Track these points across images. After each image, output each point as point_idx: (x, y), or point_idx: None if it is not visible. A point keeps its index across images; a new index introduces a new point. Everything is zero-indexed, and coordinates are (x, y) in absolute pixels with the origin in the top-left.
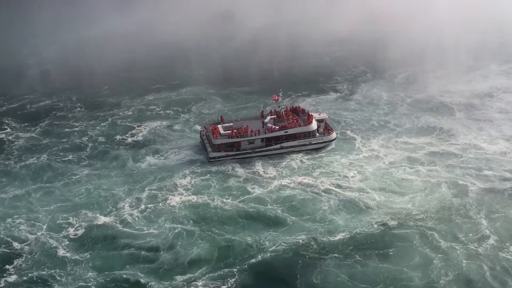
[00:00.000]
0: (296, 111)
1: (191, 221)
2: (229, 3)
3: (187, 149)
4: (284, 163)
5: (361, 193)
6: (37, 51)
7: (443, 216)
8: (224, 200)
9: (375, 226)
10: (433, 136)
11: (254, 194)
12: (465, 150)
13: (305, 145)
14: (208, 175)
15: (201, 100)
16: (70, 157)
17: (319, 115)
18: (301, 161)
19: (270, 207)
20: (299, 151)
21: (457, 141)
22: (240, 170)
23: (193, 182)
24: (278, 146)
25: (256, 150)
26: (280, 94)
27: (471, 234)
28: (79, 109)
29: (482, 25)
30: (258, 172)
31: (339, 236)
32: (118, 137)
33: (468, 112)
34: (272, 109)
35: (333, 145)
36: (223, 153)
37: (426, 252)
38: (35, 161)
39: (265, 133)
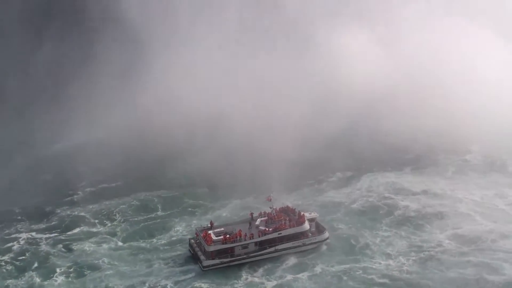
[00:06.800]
0: (286, 211)
1: None
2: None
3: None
4: None
5: None
6: None
7: None
8: None
9: None
10: None
11: None
12: None
13: (299, 246)
14: None
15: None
16: None
17: (309, 214)
18: None
19: None
20: (293, 253)
21: None
22: None
23: None
24: (272, 249)
25: (250, 255)
26: (271, 194)
27: None
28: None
29: None
30: None
31: None
32: None
33: None
34: (262, 211)
35: (324, 246)
36: (218, 261)
37: None
38: None
39: (259, 236)
